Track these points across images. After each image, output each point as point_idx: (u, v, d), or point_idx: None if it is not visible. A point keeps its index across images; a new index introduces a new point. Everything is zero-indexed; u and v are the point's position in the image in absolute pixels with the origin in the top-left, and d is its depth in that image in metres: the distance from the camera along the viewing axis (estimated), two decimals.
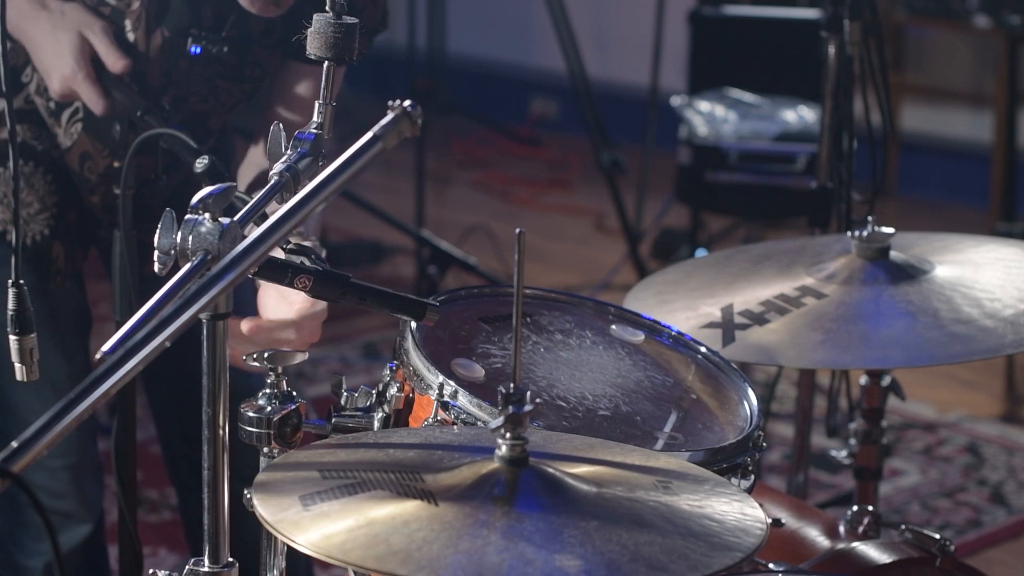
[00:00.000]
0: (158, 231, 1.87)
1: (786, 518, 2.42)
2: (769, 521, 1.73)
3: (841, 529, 2.48)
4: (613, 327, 2.28)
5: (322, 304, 2.23)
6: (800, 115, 5.00)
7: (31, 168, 2.48)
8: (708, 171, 4.97)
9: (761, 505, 1.76)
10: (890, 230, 2.47)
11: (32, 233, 2.50)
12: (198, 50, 2.41)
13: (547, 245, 5.87)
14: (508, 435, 1.69)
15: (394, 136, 1.76)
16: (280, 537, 1.65)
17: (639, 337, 2.26)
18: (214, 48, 2.40)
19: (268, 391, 1.95)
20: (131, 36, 2.38)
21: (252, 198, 1.95)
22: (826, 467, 4.12)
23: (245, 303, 2.49)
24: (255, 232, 1.71)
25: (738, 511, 1.73)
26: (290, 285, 2.00)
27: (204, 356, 1.78)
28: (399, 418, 2.04)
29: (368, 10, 2.42)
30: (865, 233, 2.46)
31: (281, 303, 2.24)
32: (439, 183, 6.59)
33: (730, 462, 2.00)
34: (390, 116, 1.77)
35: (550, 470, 1.71)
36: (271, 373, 1.95)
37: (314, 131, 2.04)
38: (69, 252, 2.54)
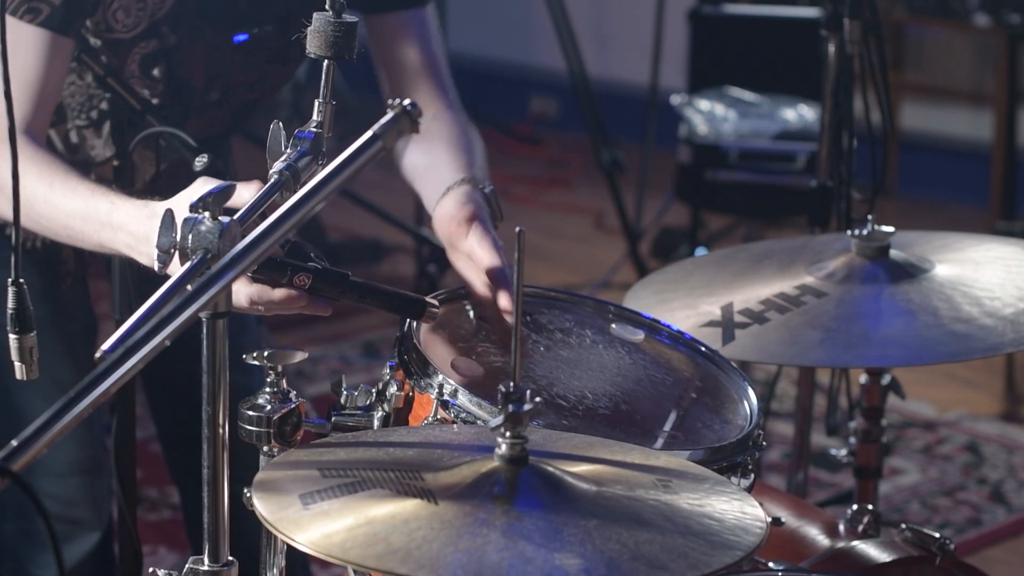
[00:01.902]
0: (158, 230, 1.87)
1: (786, 517, 2.42)
2: (769, 520, 1.73)
3: (841, 528, 2.48)
4: (613, 326, 2.27)
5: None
6: (800, 114, 5.00)
7: None
8: (708, 170, 4.98)
9: (761, 504, 1.76)
10: (890, 229, 2.47)
11: (42, 236, 2.50)
12: (246, 37, 2.39)
13: (547, 244, 5.87)
14: (508, 434, 1.69)
15: (394, 135, 1.76)
16: (280, 536, 1.65)
17: (639, 336, 2.26)
18: (257, 30, 2.39)
19: (268, 390, 1.95)
20: (172, 39, 2.37)
21: None
22: (826, 466, 4.12)
23: (239, 319, 2.48)
24: (255, 231, 1.71)
25: (738, 510, 1.73)
26: (289, 283, 2.00)
27: (204, 354, 1.78)
28: (399, 417, 2.04)
29: None
30: (865, 232, 2.46)
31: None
32: None
33: (730, 461, 2.00)
34: (390, 115, 1.77)
35: (550, 469, 1.72)
36: (271, 372, 1.95)
37: (314, 130, 2.04)
38: (79, 254, 2.54)
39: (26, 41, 2.22)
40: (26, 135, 2.19)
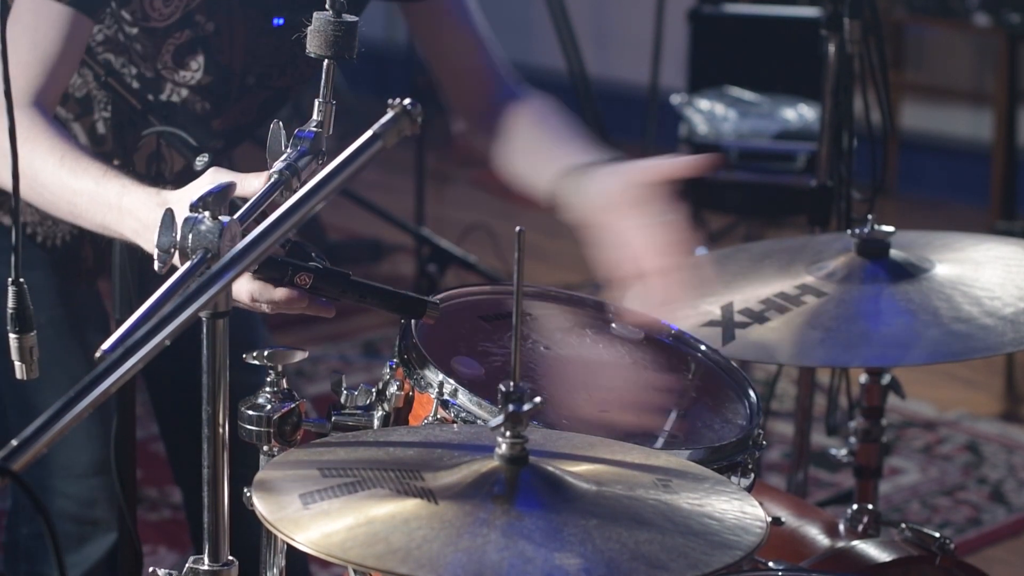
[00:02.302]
0: (158, 229, 1.87)
1: (786, 516, 2.42)
2: (769, 519, 1.73)
3: (841, 527, 2.48)
4: (613, 325, 2.27)
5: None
6: (800, 113, 5.00)
7: None
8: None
9: (761, 503, 1.76)
10: (890, 229, 2.47)
11: (62, 234, 2.49)
12: (282, 21, 2.39)
13: (547, 243, 5.86)
14: (508, 433, 1.69)
15: (394, 134, 1.76)
16: (280, 535, 1.65)
17: (639, 335, 2.26)
18: (296, 14, 2.39)
19: (268, 389, 1.95)
20: (209, 26, 2.37)
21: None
22: (826, 465, 4.12)
23: (247, 317, 2.48)
24: (255, 231, 1.71)
25: (738, 509, 1.73)
26: (290, 283, 2.00)
27: (204, 354, 1.78)
28: (399, 416, 2.04)
29: None
30: (865, 231, 2.46)
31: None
32: (439, 181, 6.59)
33: (730, 460, 2.00)
34: (390, 114, 1.77)
35: (550, 468, 1.71)
36: (271, 371, 1.95)
37: (314, 129, 2.04)
38: (98, 253, 2.54)
39: (52, 17, 2.23)
40: (36, 108, 2.20)
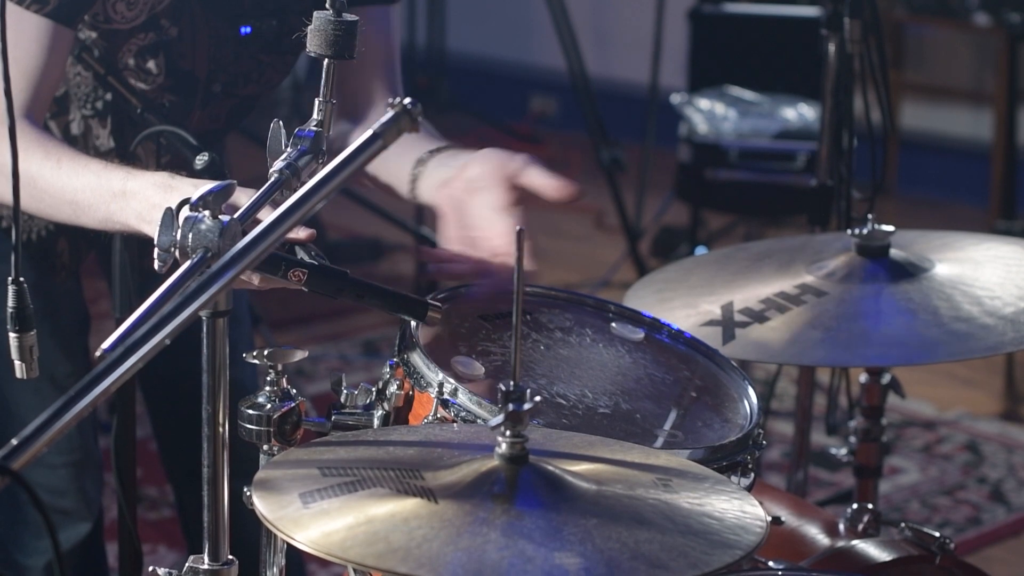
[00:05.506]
0: (158, 228, 1.87)
1: (786, 516, 2.42)
2: (769, 519, 1.73)
3: (841, 527, 2.48)
4: (613, 325, 2.27)
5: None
6: (800, 113, 5.00)
7: None
8: (708, 169, 4.98)
9: (761, 503, 1.76)
10: (890, 228, 2.47)
11: (37, 228, 2.49)
12: (249, 30, 2.39)
13: (547, 243, 5.87)
14: (508, 433, 1.69)
15: (394, 134, 1.76)
16: (280, 535, 1.65)
17: (639, 335, 2.26)
18: (262, 23, 2.40)
19: (268, 389, 1.95)
20: (172, 31, 2.37)
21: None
22: (826, 465, 4.12)
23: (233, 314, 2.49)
24: (255, 230, 1.71)
25: (738, 509, 1.73)
26: (284, 279, 2.00)
27: (204, 353, 1.78)
28: (399, 416, 2.04)
29: None
30: (865, 231, 2.46)
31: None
32: None
33: (730, 460, 2.00)
34: (390, 114, 1.77)
35: (550, 468, 1.71)
36: (271, 371, 1.95)
37: (314, 128, 2.04)
38: (73, 248, 2.54)
39: (31, 30, 2.23)
40: (25, 120, 2.20)
